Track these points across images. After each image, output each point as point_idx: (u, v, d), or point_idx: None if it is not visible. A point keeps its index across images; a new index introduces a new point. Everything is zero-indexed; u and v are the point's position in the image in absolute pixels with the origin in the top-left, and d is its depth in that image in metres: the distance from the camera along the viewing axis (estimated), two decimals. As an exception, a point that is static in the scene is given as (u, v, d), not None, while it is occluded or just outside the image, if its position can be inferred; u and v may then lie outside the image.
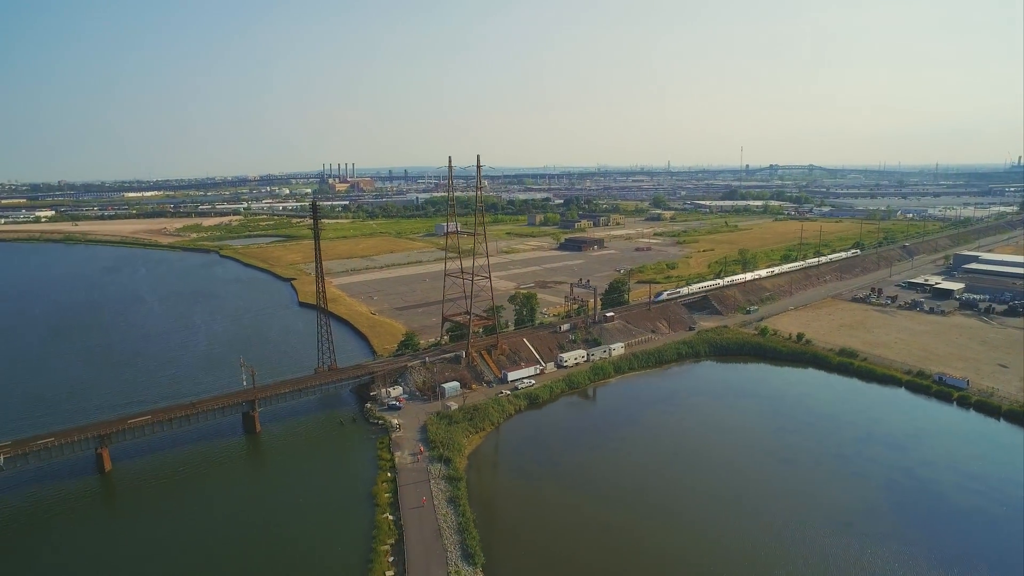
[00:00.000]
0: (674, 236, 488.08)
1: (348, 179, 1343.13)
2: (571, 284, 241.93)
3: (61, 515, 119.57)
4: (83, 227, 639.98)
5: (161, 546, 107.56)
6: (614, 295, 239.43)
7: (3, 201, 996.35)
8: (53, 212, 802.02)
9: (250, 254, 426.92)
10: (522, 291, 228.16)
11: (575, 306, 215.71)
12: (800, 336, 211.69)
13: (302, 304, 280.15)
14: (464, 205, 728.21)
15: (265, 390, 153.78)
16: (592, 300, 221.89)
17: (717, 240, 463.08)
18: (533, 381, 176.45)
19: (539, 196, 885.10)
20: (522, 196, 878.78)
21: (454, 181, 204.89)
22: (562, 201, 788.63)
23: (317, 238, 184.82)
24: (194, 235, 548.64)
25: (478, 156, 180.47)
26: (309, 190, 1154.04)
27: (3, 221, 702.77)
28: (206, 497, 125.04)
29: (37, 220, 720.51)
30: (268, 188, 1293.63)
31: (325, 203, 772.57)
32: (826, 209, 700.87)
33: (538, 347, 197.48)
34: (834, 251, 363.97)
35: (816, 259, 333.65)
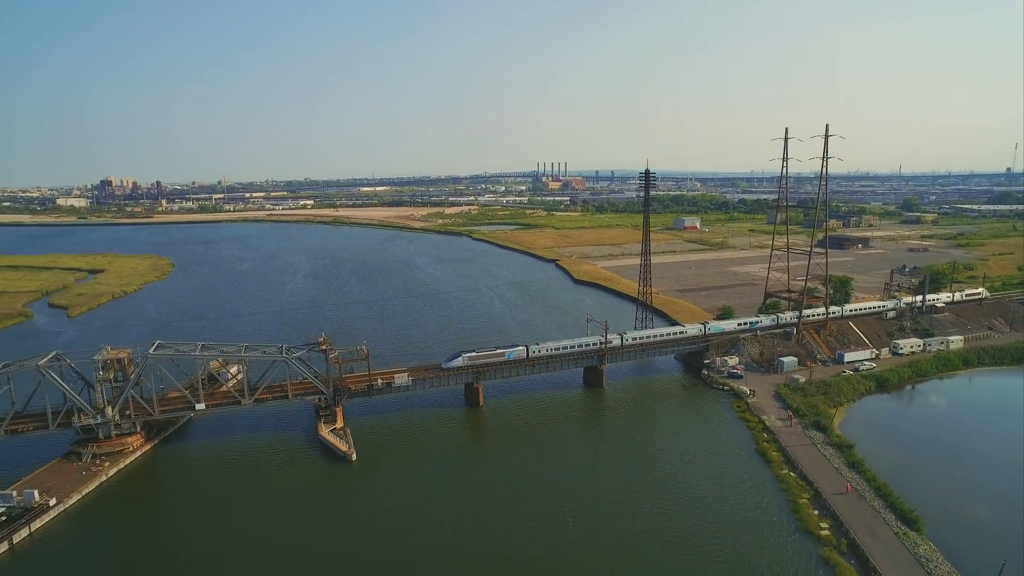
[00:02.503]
0: (949, 239, 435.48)
1: (560, 178, 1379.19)
2: (892, 270, 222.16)
3: (450, 433, 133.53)
4: (342, 212, 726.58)
5: (540, 474, 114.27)
6: (933, 286, 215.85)
7: (272, 193, 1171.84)
8: (312, 201, 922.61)
9: (501, 238, 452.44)
10: (837, 275, 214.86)
11: (901, 294, 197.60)
12: None
13: (577, 282, 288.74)
14: (691, 203, 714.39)
15: (613, 348, 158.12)
16: (921, 288, 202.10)
17: (1012, 244, 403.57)
18: (873, 364, 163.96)
19: (766, 198, 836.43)
20: (751, 197, 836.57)
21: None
22: (795, 203, 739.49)
23: (647, 204, 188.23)
24: (440, 221, 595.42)
25: (827, 125, 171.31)
26: (524, 187, 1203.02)
27: (281, 207, 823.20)
28: (580, 438, 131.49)
29: (304, 207, 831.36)
30: (483, 185, 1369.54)
31: (548, 198, 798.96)
32: None
33: (865, 331, 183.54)
34: None
35: None
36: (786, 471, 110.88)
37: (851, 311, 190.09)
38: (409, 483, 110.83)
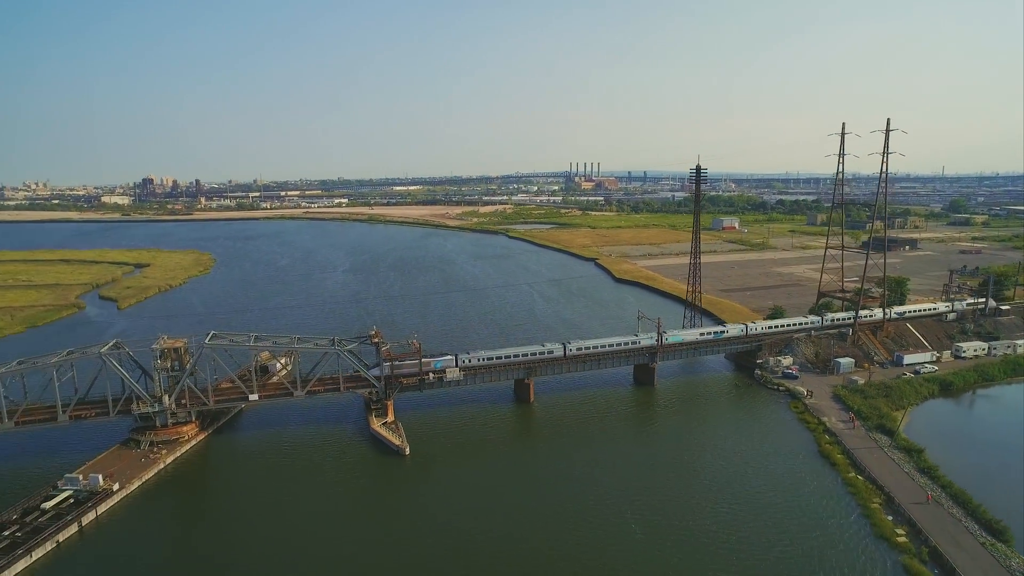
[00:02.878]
0: (1004, 241, 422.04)
1: (593, 178, 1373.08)
2: (951, 271, 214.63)
3: (501, 429, 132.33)
4: (376, 211, 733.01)
5: (594, 471, 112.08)
6: (997, 288, 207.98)
7: (307, 192, 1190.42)
8: (347, 200, 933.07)
9: (538, 236, 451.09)
10: (893, 276, 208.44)
11: (961, 296, 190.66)
12: None
13: (618, 280, 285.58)
14: (728, 203, 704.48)
15: (666, 345, 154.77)
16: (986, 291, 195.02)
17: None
18: (935, 367, 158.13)
19: (804, 199, 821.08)
20: (789, 198, 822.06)
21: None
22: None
23: (697, 201, 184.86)
24: (475, 220, 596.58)
25: (888, 119, 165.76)
26: (556, 187, 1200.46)
27: (316, 205, 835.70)
28: (634, 436, 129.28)
29: (339, 205, 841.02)
30: (515, 185, 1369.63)
31: (582, 198, 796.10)
32: None
33: (923, 333, 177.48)
34: None
35: None
36: (853, 474, 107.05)
37: (913, 312, 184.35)
38: (465, 479, 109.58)
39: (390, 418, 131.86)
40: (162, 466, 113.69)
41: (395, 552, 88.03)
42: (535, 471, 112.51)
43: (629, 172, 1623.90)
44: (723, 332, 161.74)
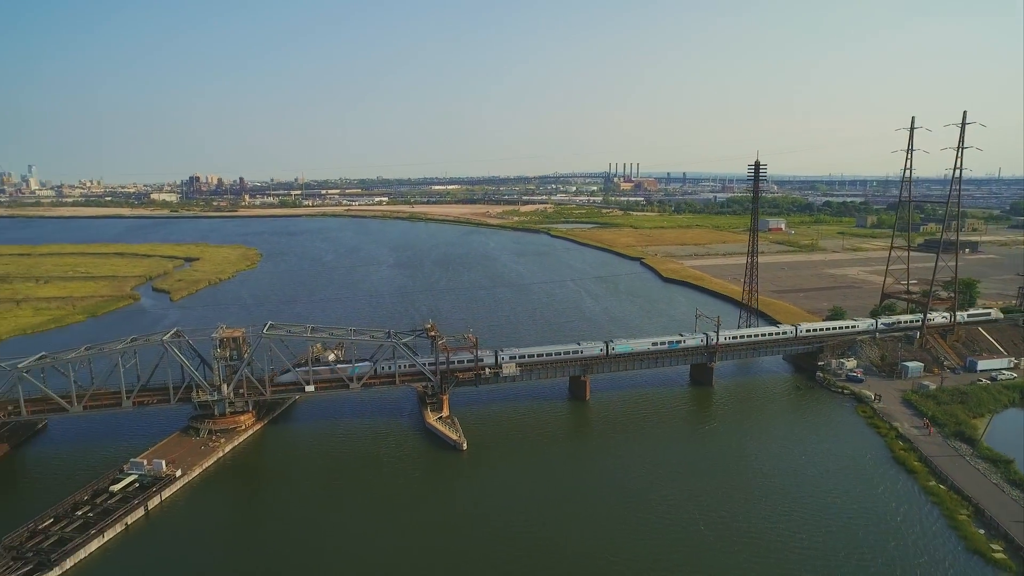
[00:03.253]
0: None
1: (632, 179, 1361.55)
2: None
3: (558, 426, 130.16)
4: (417, 209, 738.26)
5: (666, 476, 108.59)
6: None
7: (347, 191, 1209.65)
8: (387, 198, 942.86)
9: (580, 236, 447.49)
10: (962, 278, 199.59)
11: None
12: None
13: (666, 280, 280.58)
14: (772, 204, 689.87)
15: (726, 345, 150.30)
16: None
17: None
18: (1014, 374, 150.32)
19: (851, 200, 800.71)
20: (835, 200, 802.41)
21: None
22: (885, 206, 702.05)
23: (756, 199, 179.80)
24: (515, 219, 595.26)
25: (964, 112, 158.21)
26: (596, 187, 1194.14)
27: (357, 203, 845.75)
28: (694, 436, 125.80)
29: (380, 203, 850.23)
30: (553, 185, 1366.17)
31: (622, 198, 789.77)
32: None
33: (998, 338, 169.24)
34: None
35: None
36: (934, 483, 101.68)
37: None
38: (524, 476, 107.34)
39: (445, 413, 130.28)
40: (221, 454, 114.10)
41: (458, 548, 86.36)
42: (597, 469, 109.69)
43: (668, 173, 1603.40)
44: (679, 342, 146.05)
